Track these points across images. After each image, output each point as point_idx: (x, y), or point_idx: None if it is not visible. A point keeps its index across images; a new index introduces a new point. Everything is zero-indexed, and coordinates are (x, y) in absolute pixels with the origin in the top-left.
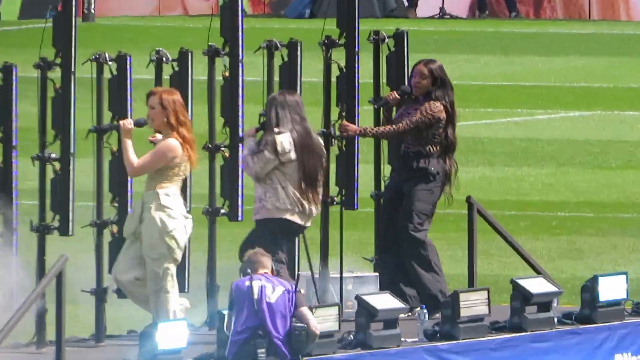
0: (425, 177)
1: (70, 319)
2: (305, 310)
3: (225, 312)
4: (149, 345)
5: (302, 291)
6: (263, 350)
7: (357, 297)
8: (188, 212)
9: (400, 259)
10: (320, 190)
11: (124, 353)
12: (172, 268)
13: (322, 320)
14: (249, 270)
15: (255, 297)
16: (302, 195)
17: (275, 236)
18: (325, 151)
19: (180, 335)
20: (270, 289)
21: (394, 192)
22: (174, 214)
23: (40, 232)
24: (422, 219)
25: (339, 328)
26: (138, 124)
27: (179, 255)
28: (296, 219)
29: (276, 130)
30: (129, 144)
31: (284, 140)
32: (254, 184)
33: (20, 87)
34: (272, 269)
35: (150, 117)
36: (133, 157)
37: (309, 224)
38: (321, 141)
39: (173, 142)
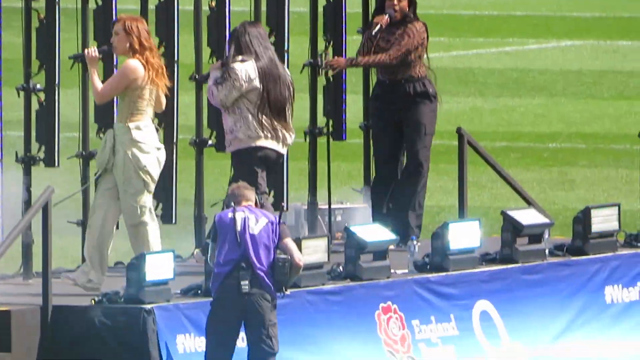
0: (427, 100)
1: (56, 250)
2: (289, 241)
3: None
4: (137, 276)
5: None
6: (246, 282)
7: (346, 229)
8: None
9: (399, 187)
10: (290, 119)
11: (111, 284)
12: (149, 201)
13: (311, 252)
14: (232, 203)
15: (238, 228)
16: (272, 121)
17: (252, 167)
18: (292, 82)
19: (167, 266)
20: (254, 220)
21: (385, 122)
22: (147, 148)
23: (25, 164)
24: (430, 143)
25: (328, 259)
26: (102, 51)
27: (152, 187)
28: (271, 144)
29: (239, 58)
30: (94, 72)
31: (248, 68)
32: (223, 116)
33: (4, 18)
34: (256, 201)
35: (114, 43)
36: (98, 84)
37: (284, 150)
38: (288, 72)
39: (133, 62)
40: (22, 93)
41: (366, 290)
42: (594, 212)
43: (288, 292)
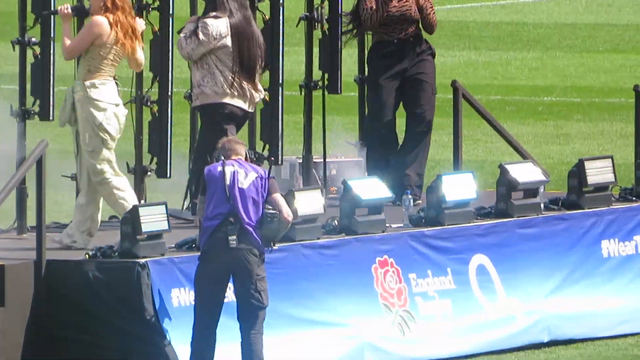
0: (432, 57)
1: (50, 204)
2: (278, 196)
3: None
4: (131, 230)
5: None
6: (234, 237)
7: (344, 182)
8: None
9: (406, 145)
10: (259, 79)
11: (105, 238)
12: (110, 157)
13: (306, 205)
14: (222, 157)
15: (227, 182)
16: (241, 80)
17: (220, 123)
18: (263, 42)
19: (161, 218)
20: (243, 174)
21: (393, 81)
22: (103, 105)
23: (20, 117)
24: (435, 102)
25: (325, 211)
26: (76, 8)
27: (112, 144)
28: (237, 102)
29: (213, 14)
30: (66, 28)
31: (220, 24)
32: (192, 70)
33: None
34: (246, 155)
35: (90, 1)
36: (67, 40)
37: (251, 109)
38: (259, 33)
39: (98, 19)
40: (17, 46)
41: (362, 244)
42: (587, 164)
43: (276, 246)
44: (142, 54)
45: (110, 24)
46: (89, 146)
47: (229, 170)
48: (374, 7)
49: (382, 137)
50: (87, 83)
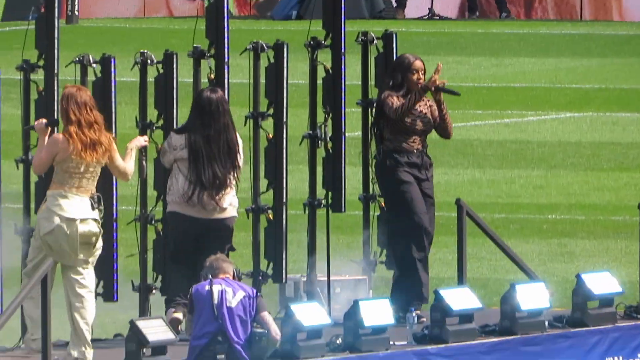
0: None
1: (56, 322)
2: (266, 315)
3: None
4: (136, 347)
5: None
6: (222, 356)
7: (355, 302)
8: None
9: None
10: (227, 190)
11: (110, 357)
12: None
13: (309, 316)
14: (210, 276)
15: (215, 301)
16: (194, 190)
17: (173, 231)
18: (237, 158)
19: (166, 331)
20: (231, 293)
21: (418, 190)
22: (53, 217)
23: (24, 236)
24: None
25: (331, 320)
26: (51, 122)
27: (53, 256)
28: (186, 210)
29: (176, 128)
30: (41, 142)
31: (175, 138)
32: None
33: (3, 90)
34: (233, 274)
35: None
36: (36, 156)
37: (211, 215)
38: (238, 145)
39: (54, 137)
40: (21, 165)
41: None
42: (586, 278)
43: None
44: (122, 164)
45: (67, 138)
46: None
47: (216, 289)
48: (398, 103)
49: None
50: (49, 193)
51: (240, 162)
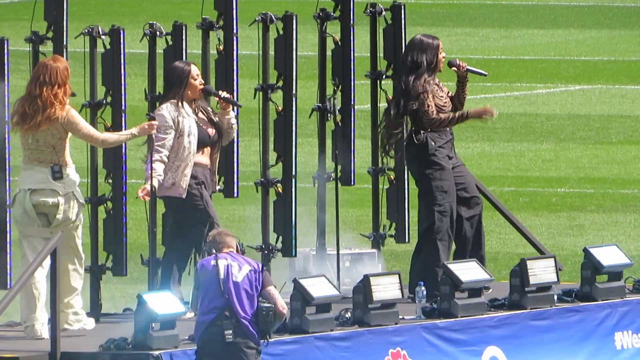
0: None
1: None
2: (272, 289)
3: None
4: (144, 322)
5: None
6: (230, 331)
7: (365, 276)
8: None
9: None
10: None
11: (119, 331)
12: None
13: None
14: (214, 251)
15: (221, 276)
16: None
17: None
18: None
19: (174, 303)
20: (237, 267)
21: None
22: (16, 189)
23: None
24: None
25: (339, 292)
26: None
27: (19, 228)
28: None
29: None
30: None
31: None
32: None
33: (12, 61)
34: (237, 247)
35: None
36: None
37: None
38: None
39: None
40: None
41: (374, 336)
42: (594, 251)
43: (271, 339)
44: (89, 134)
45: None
46: None
47: (222, 263)
48: (434, 108)
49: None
50: None
51: None
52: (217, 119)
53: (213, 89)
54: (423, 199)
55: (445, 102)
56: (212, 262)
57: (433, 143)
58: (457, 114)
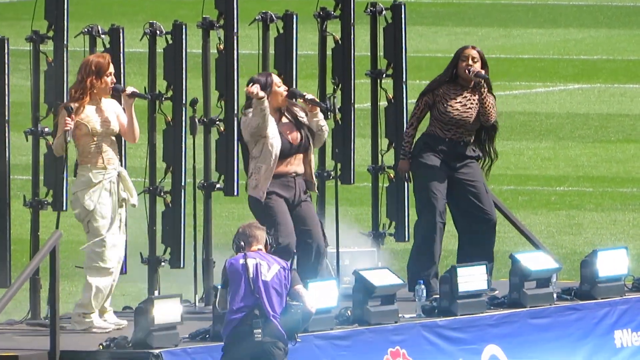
0: (477, 163)
1: (64, 295)
2: (300, 288)
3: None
4: (145, 321)
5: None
6: (259, 330)
7: (355, 272)
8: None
9: (481, 241)
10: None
11: (119, 329)
12: None
13: (319, 296)
14: (242, 244)
15: (251, 275)
16: None
17: None
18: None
19: (175, 310)
20: (266, 266)
21: (443, 177)
22: None
23: (33, 208)
24: None
25: (337, 304)
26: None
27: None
28: None
29: None
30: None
31: None
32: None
33: (12, 61)
34: (266, 242)
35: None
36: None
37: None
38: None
39: None
40: (30, 137)
41: (374, 335)
42: (601, 255)
43: (299, 339)
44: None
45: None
46: None
47: (251, 262)
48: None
49: (438, 228)
50: None
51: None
52: (306, 122)
53: (298, 92)
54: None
55: (447, 111)
56: (241, 261)
57: (423, 145)
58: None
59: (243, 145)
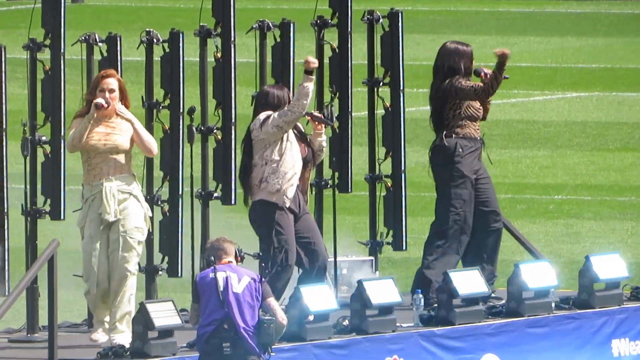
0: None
1: (62, 303)
2: (272, 301)
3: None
4: (143, 329)
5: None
6: (228, 344)
7: (359, 282)
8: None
9: (490, 242)
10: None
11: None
12: None
13: (317, 301)
14: (212, 258)
15: (221, 288)
16: None
17: None
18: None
19: (172, 315)
20: (236, 279)
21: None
22: None
23: (31, 216)
24: None
25: (338, 307)
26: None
27: None
28: None
29: None
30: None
31: None
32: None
33: (9, 69)
34: (236, 254)
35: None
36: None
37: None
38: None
39: None
40: (28, 147)
41: (372, 344)
42: (594, 260)
43: (273, 353)
44: None
45: None
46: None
47: (220, 276)
48: (469, 83)
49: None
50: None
51: None
52: (309, 139)
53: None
54: (440, 203)
55: (480, 107)
56: (211, 275)
57: (461, 150)
58: (490, 78)
59: (247, 150)
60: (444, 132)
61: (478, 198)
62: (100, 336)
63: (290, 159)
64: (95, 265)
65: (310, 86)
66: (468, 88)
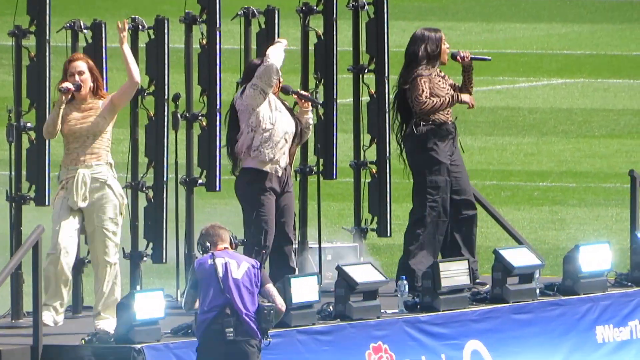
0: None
1: None
2: (270, 287)
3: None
4: (127, 316)
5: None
6: (231, 329)
7: (338, 268)
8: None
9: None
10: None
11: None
12: None
13: (302, 292)
14: (208, 245)
15: (220, 275)
16: None
17: None
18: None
19: (157, 305)
20: (235, 264)
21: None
22: None
23: (16, 202)
24: None
25: (319, 299)
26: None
27: None
28: None
29: None
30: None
31: None
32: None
33: None
34: (231, 241)
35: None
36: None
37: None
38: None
39: None
40: (13, 135)
41: (356, 330)
42: (583, 250)
43: (271, 338)
44: None
45: None
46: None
47: (219, 262)
48: (428, 93)
49: (440, 217)
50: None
51: None
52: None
53: (291, 87)
54: (416, 191)
55: (447, 94)
56: (210, 261)
57: (433, 137)
58: (447, 98)
59: (232, 124)
60: (414, 120)
61: (450, 187)
62: (46, 317)
63: (281, 128)
64: (58, 234)
65: (279, 45)
66: (420, 102)
